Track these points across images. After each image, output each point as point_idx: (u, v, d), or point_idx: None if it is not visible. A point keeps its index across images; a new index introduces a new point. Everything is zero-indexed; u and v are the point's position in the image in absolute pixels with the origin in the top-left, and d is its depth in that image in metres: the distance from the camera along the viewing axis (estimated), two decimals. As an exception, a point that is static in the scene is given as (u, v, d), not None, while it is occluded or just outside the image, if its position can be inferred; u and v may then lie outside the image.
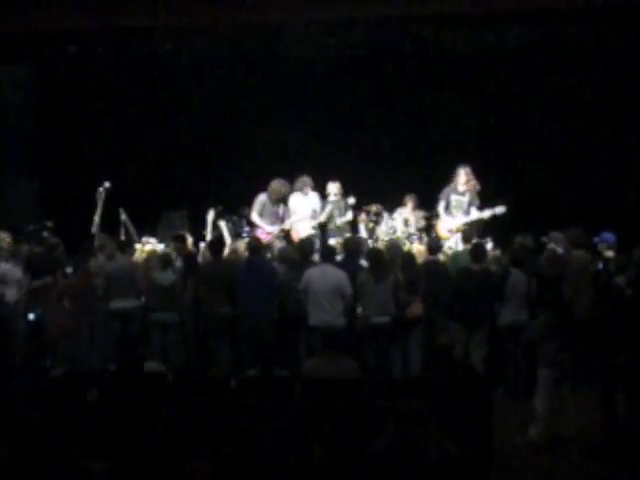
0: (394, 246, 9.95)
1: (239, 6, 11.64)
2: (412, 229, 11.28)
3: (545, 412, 7.59)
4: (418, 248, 10.47)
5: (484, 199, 11.28)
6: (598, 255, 9.63)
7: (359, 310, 9.16)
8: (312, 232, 11.20)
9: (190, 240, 10.67)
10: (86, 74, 13.56)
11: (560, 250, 9.65)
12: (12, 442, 5.28)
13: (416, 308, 9.06)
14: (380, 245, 10.60)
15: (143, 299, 9.69)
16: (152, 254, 10.43)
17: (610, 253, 9.61)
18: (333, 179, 11.56)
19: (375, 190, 11.95)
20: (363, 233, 11.35)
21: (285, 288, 9.22)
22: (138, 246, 10.98)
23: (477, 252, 9.38)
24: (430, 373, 8.60)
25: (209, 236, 11.25)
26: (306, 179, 11.42)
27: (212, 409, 6.15)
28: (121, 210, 11.51)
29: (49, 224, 11.19)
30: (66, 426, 5.67)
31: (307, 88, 13.00)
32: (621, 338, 7.67)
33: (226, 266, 9.62)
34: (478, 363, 8.79)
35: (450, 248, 10.70)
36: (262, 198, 11.25)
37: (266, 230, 11.09)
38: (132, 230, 11.57)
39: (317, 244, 10.88)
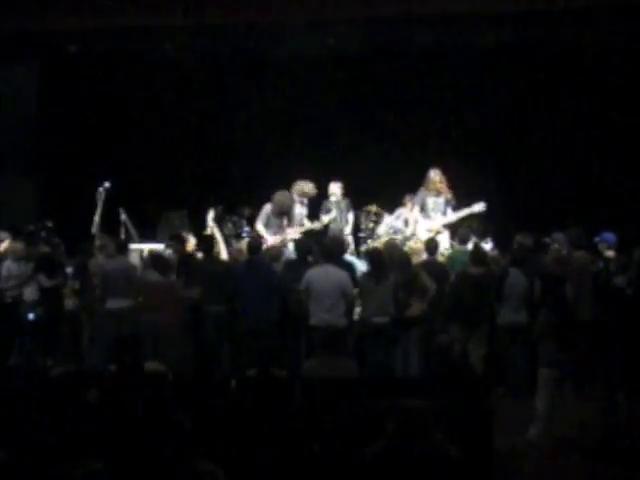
0: (392, 246, 9.95)
1: (239, 6, 11.65)
2: (411, 229, 11.29)
3: (545, 412, 7.59)
4: (416, 247, 10.48)
5: (482, 198, 11.31)
6: (598, 255, 9.63)
7: (359, 310, 9.16)
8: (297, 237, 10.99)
9: (192, 241, 10.63)
10: (86, 74, 13.57)
11: (562, 250, 9.67)
12: (12, 443, 5.28)
13: (415, 308, 9.05)
14: (378, 245, 10.60)
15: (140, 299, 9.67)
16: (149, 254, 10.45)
17: (610, 253, 9.62)
18: (335, 179, 11.56)
19: (375, 190, 11.96)
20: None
21: (284, 288, 9.22)
22: (134, 246, 10.98)
23: (477, 255, 9.35)
24: (430, 373, 8.60)
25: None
26: (301, 185, 11.20)
27: (212, 409, 6.14)
28: (121, 210, 11.52)
29: (49, 224, 11.20)
30: (66, 426, 5.67)
31: (307, 88, 13.00)
32: (621, 338, 7.68)
33: (222, 265, 9.60)
34: (477, 363, 8.79)
35: (450, 247, 10.72)
36: (267, 208, 10.92)
37: (269, 241, 10.76)
38: (132, 230, 11.58)
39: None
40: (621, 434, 7.37)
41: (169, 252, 10.42)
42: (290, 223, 10.94)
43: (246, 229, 11.46)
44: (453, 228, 11.01)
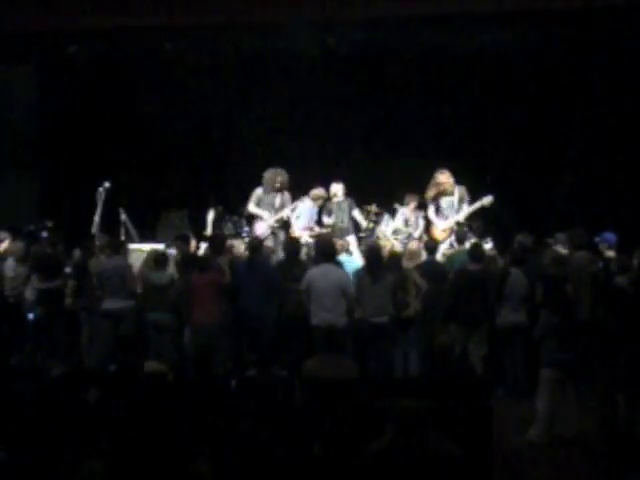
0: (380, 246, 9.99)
1: (239, 6, 11.65)
2: (412, 229, 11.30)
3: (546, 412, 7.59)
4: (414, 248, 10.48)
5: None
6: (599, 255, 9.63)
7: (358, 310, 9.16)
8: (310, 241, 11.13)
9: (193, 242, 10.64)
10: (86, 74, 13.56)
11: (565, 251, 9.66)
12: (12, 442, 5.28)
13: (410, 308, 9.05)
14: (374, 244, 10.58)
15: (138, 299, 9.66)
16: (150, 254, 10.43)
17: (611, 253, 9.62)
18: (337, 180, 11.56)
19: (375, 190, 11.96)
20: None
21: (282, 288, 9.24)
22: (133, 246, 10.97)
23: (475, 252, 9.38)
24: (430, 373, 8.60)
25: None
26: (321, 192, 11.41)
27: (212, 409, 6.14)
28: (121, 210, 11.52)
29: (49, 224, 11.19)
30: (66, 426, 5.67)
31: (307, 88, 12.99)
32: (622, 338, 7.68)
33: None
34: (477, 363, 8.79)
35: (450, 247, 10.72)
36: (258, 191, 11.35)
37: (264, 217, 11.16)
38: (132, 230, 11.58)
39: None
40: (621, 434, 7.37)
41: (170, 251, 10.44)
42: (285, 201, 11.20)
43: (246, 229, 11.48)
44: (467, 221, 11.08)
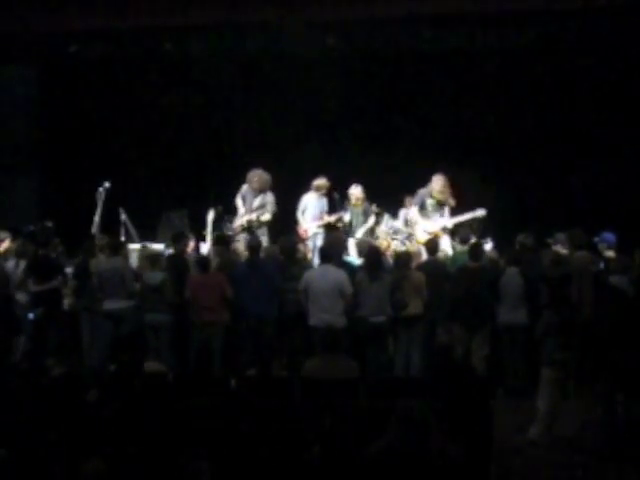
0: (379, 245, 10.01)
1: (239, 6, 11.65)
2: (412, 229, 11.30)
3: (546, 412, 7.59)
4: (413, 249, 10.50)
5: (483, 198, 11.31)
6: (598, 255, 9.62)
7: (357, 310, 9.16)
8: (317, 231, 11.34)
9: (192, 243, 10.65)
10: (86, 74, 13.57)
11: (564, 251, 9.66)
12: (12, 442, 5.28)
13: (414, 307, 9.05)
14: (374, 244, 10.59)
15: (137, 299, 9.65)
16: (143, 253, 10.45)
17: (610, 253, 9.61)
18: (356, 183, 11.52)
19: (375, 190, 11.95)
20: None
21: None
22: (133, 246, 10.97)
23: (474, 251, 9.41)
24: (430, 373, 8.60)
25: (209, 236, 11.27)
26: (323, 181, 11.47)
27: (212, 409, 6.14)
28: (121, 210, 11.52)
29: (49, 224, 11.19)
30: (66, 426, 5.67)
31: (307, 88, 12.99)
32: (621, 338, 7.67)
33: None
34: (480, 363, 8.79)
35: (443, 250, 10.71)
36: (243, 188, 11.43)
37: (240, 214, 11.29)
38: (132, 230, 11.58)
39: (318, 244, 10.98)
40: (621, 434, 7.36)
41: (169, 251, 10.45)
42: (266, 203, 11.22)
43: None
44: (453, 230, 11.01)
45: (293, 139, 13.09)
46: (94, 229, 11.21)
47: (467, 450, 5.16)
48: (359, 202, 11.44)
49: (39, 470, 4.91)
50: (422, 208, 11.16)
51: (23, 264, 9.89)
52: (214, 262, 9.87)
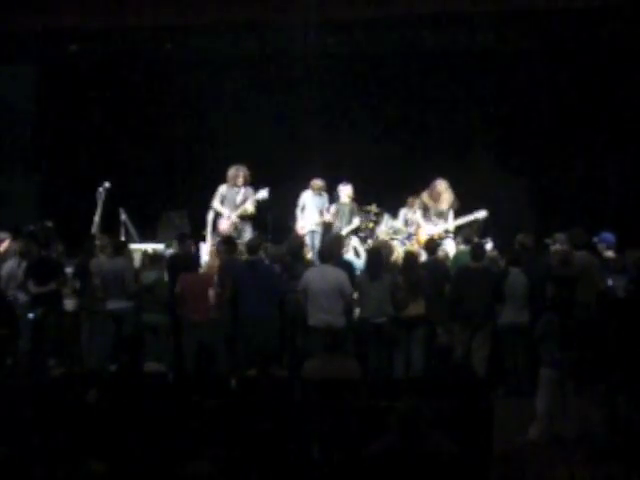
0: (385, 247, 9.97)
1: (239, 6, 11.65)
2: (412, 229, 11.32)
3: (546, 412, 7.59)
4: (413, 249, 10.50)
5: (483, 198, 11.31)
6: (598, 255, 9.62)
7: (357, 310, 9.16)
8: (315, 229, 11.41)
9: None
10: (86, 74, 13.56)
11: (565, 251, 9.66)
12: (12, 442, 5.28)
13: (416, 307, 9.05)
14: (376, 245, 10.61)
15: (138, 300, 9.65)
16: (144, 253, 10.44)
17: (610, 253, 9.61)
18: (345, 181, 11.57)
19: (375, 190, 11.96)
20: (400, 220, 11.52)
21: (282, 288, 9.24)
22: (134, 246, 10.96)
23: (476, 251, 9.41)
24: (431, 373, 8.60)
25: (209, 236, 11.28)
26: (320, 182, 11.54)
27: (212, 409, 6.14)
28: (121, 210, 11.52)
29: (49, 224, 11.19)
30: (66, 426, 5.67)
31: (307, 88, 12.99)
32: (621, 338, 7.68)
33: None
34: (480, 363, 8.79)
35: (443, 250, 10.72)
36: (222, 188, 11.40)
37: (225, 214, 11.23)
38: (132, 230, 11.58)
39: (317, 242, 11.07)
40: (621, 434, 7.36)
41: (169, 251, 10.44)
42: (248, 196, 11.28)
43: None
44: (455, 231, 11.05)
45: (293, 139, 13.08)
46: (94, 229, 11.20)
47: (467, 450, 5.17)
48: (347, 200, 11.45)
49: (39, 470, 4.91)
50: (426, 212, 11.21)
51: (24, 264, 9.88)
52: (214, 262, 9.87)
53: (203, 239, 11.36)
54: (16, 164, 13.92)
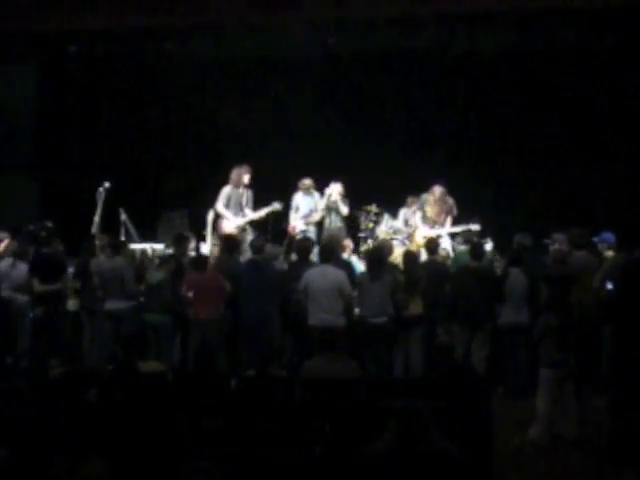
0: (385, 246, 9.99)
1: (239, 6, 11.65)
2: (413, 228, 11.34)
3: (545, 412, 7.58)
4: (413, 248, 10.51)
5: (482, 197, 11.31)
6: (598, 255, 9.61)
7: (357, 310, 9.16)
8: (305, 229, 11.50)
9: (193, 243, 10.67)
10: (86, 74, 13.57)
11: (564, 251, 9.66)
12: (12, 442, 5.28)
13: (415, 307, 9.05)
14: (376, 245, 10.62)
15: (141, 300, 9.65)
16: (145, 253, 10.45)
17: (610, 253, 9.61)
18: (335, 179, 11.61)
19: (375, 190, 11.96)
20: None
21: (285, 288, 9.23)
22: (134, 246, 10.96)
23: (476, 250, 9.42)
24: (431, 373, 8.59)
25: (209, 236, 11.28)
26: (308, 181, 11.56)
27: (212, 409, 6.14)
28: (121, 210, 11.52)
29: (49, 224, 11.19)
30: (66, 426, 5.67)
31: (307, 88, 13.00)
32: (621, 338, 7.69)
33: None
34: (480, 363, 8.79)
35: (445, 249, 10.72)
36: (227, 190, 11.39)
37: (229, 218, 11.26)
38: (132, 230, 11.58)
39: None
40: (620, 434, 7.36)
41: (169, 251, 10.44)
42: (249, 200, 11.36)
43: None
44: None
45: (293, 139, 13.08)
46: (94, 229, 11.21)
47: (467, 450, 5.16)
48: (338, 197, 11.50)
49: (39, 470, 4.91)
50: (424, 213, 11.25)
51: (21, 265, 9.87)
52: (214, 261, 9.89)
53: (203, 239, 11.36)
54: (16, 164, 13.92)
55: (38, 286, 9.66)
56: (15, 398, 6.23)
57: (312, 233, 11.47)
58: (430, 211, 11.21)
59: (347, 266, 9.49)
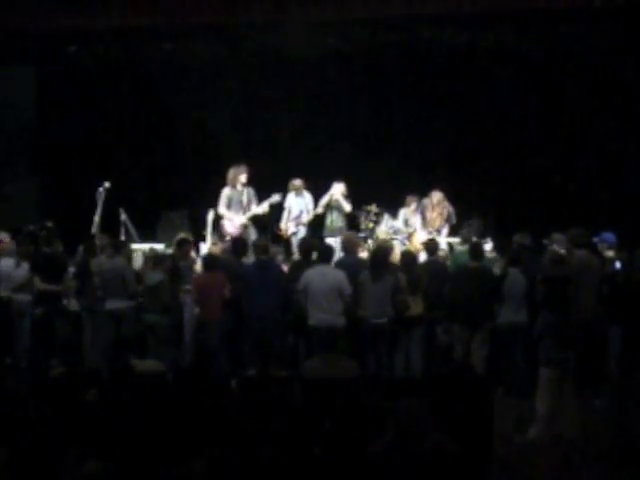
0: (386, 247, 10.00)
1: (239, 6, 11.66)
2: (412, 229, 11.34)
3: (545, 412, 7.58)
4: (415, 248, 10.51)
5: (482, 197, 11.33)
6: (598, 255, 9.61)
7: (359, 310, 9.16)
8: (296, 230, 11.60)
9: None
10: (86, 74, 13.57)
11: (562, 251, 9.65)
12: (12, 442, 5.28)
13: (415, 307, 9.05)
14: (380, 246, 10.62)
15: (139, 299, 9.65)
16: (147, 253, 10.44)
17: (610, 253, 9.60)
18: (337, 180, 11.63)
19: (375, 190, 11.96)
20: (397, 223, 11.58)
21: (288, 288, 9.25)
22: (134, 246, 10.97)
23: (475, 250, 9.42)
24: (430, 373, 8.60)
25: (209, 236, 11.28)
26: (298, 181, 11.61)
27: (212, 409, 6.14)
28: (121, 210, 11.52)
29: (49, 224, 11.19)
30: (66, 426, 5.67)
31: (307, 88, 13.00)
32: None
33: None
34: (480, 363, 8.79)
35: (448, 250, 10.73)
36: (226, 191, 11.39)
37: (232, 219, 11.26)
38: (132, 230, 11.58)
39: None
40: (622, 434, 7.37)
41: (169, 251, 10.44)
42: (251, 199, 11.35)
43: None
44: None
45: (293, 139, 13.08)
46: (94, 229, 11.21)
47: (467, 450, 5.16)
48: (340, 197, 11.54)
49: (39, 470, 4.91)
50: (423, 218, 11.36)
51: (23, 264, 9.88)
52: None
53: (203, 239, 11.36)
54: (16, 164, 13.92)
55: (40, 285, 9.67)
56: (15, 398, 6.23)
57: (303, 234, 11.49)
58: (429, 216, 11.27)
59: (359, 265, 9.50)
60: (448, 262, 10.16)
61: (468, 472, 5.11)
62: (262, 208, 11.37)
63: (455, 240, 10.96)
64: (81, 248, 10.25)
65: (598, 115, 12.33)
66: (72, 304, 9.97)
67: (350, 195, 11.69)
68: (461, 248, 10.42)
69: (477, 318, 9.02)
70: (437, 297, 9.20)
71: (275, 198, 11.42)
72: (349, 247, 9.64)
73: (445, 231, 11.29)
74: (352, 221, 11.75)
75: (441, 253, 10.16)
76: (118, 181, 11.76)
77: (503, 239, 10.54)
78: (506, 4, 11.46)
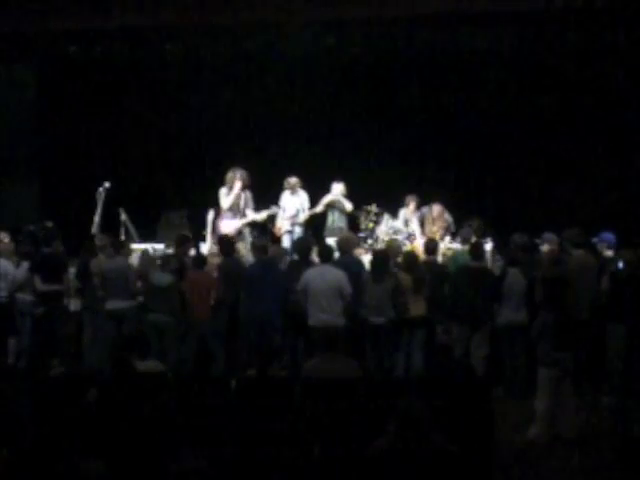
0: (393, 247, 10.00)
1: (239, 6, 11.65)
2: (412, 229, 11.35)
3: (545, 412, 7.59)
4: (416, 248, 10.51)
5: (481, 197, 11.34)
6: (597, 255, 9.61)
7: (360, 310, 9.17)
8: (291, 229, 11.59)
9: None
10: (86, 74, 13.57)
11: (553, 248, 9.67)
12: (12, 442, 5.28)
13: (417, 308, 9.05)
14: (380, 246, 10.64)
15: (140, 299, 9.66)
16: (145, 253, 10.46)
17: (610, 253, 9.60)
18: (338, 179, 11.65)
19: (375, 190, 11.97)
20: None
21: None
22: (134, 246, 10.97)
23: (475, 250, 9.43)
24: (431, 372, 8.60)
25: (209, 236, 11.29)
26: (293, 179, 11.59)
27: (212, 409, 6.14)
28: (121, 210, 11.52)
29: (49, 224, 11.19)
30: (66, 426, 5.67)
31: (307, 88, 13.00)
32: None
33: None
34: (479, 363, 8.79)
35: (449, 249, 10.75)
36: (223, 191, 11.30)
37: (230, 222, 11.22)
38: (132, 230, 11.58)
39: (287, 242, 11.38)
40: (622, 434, 7.37)
41: (169, 251, 10.45)
42: (248, 202, 11.29)
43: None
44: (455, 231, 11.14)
45: (293, 139, 13.08)
46: (94, 229, 11.21)
47: (467, 450, 5.17)
48: (339, 197, 11.56)
49: (39, 470, 4.91)
50: (422, 224, 11.46)
51: (24, 264, 9.88)
52: (214, 261, 9.89)
53: (203, 239, 11.36)
54: (16, 165, 13.92)
55: (40, 285, 9.68)
56: (15, 398, 6.23)
57: (298, 234, 11.49)
58: (428, 229, 11.42)
59: (359, 265, 9.51)
60: (448, 262, 10.16)
61: (468, 472, 5.11)
62: (260, 216, 11.34)
63: (456, 246, 10.94)
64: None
65: (598, 115, 12.33)
66: (73, 304, 9.98)
67: (350, 195, 11.69)
68: (461, 248, 10.42)
69: (476, 318, 9.03)
70: (436, 297, 9.20)
71: (274, 210, 11.41)
72: (345, 247, 9.61)
73: (447, 239, 11.28)
74: (352, 221, 11.76)
75: (442, 257, 10.16)
76: (118, 181, 11.77)
77: (503, 239, 10.57)
78: (506, 4, 11.45)
